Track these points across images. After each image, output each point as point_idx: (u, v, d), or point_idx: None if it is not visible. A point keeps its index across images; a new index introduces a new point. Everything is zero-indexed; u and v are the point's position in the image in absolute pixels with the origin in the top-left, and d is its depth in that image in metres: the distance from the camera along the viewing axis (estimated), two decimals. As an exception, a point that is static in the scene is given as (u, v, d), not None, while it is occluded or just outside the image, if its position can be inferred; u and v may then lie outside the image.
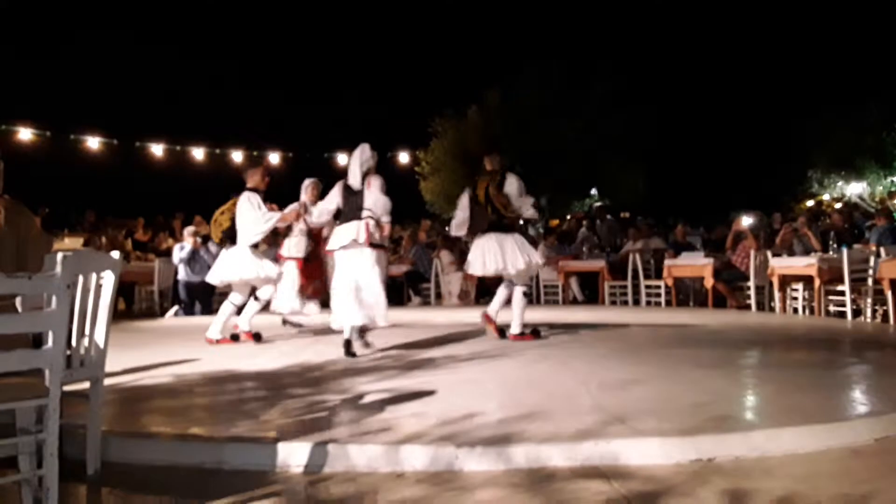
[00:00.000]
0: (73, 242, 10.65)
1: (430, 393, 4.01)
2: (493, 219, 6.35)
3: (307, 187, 7.30)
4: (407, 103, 25.62)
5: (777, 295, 9.65)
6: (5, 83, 21.19)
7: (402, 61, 27.03)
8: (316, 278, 7.28)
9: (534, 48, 21.32)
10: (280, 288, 6.87)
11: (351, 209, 5.77)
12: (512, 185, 6.35)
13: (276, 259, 7.07)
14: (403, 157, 20.70)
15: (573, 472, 2.81)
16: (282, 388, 4.25)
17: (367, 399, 3.92)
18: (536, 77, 18.67)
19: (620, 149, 18.21)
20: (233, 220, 6.54)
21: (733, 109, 22.40)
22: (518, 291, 6.47)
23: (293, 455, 2.95)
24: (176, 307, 10.44)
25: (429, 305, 11.81)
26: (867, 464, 2.91)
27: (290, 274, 7.09)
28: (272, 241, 7.03)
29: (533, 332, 6.54)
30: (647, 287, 11.45)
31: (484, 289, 12.29)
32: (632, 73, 19.18)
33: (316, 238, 7.26)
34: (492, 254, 6.29)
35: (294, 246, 7.24)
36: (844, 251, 8.34)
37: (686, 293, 11.66)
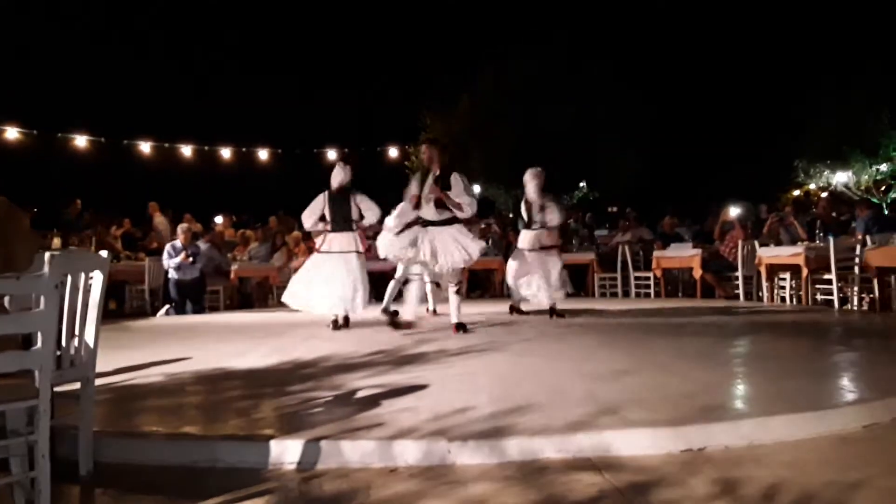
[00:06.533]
0: (58, 242, 10.56)
1: (421, 387, 4.01)
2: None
3: None
4: (396, 98, 25.56)
5: (765, 284, 9.71)
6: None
7: (390, 55, 26.96)
8: None
9: (522, 33, 21.25)
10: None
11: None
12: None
13: None
14: (393, 152, 20.65)
15: (565, 464, 2.81)
16: (274, 386, 4.23)
17: (360, 395, 3.92)
18: (524, 63, 18.63)
19: (610, 139, 18.24)
20: None
21: (718, 101, 22.46)
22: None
23: (286, 452, 2.94)
24: (167, 306, 10.38)
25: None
26: (856, 451, 2.93)
27: None
28: None
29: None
30: (637, 278, 11.49)
31: (476, 282, 12.29)
32: (618, 63, 19.17)
33: None
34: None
35: None
36: (831, 240, 8.39)
37: (675, 284, 11.71)
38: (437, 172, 6.50)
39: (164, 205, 14.62)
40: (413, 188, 6.62)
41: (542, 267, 7.59)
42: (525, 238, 7.76)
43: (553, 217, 7.63)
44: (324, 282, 7.04)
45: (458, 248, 6.42)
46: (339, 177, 7.24)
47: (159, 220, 13.74)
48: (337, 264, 7.08)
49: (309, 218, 7.32)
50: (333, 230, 7.20)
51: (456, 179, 6.44)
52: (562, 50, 18.53)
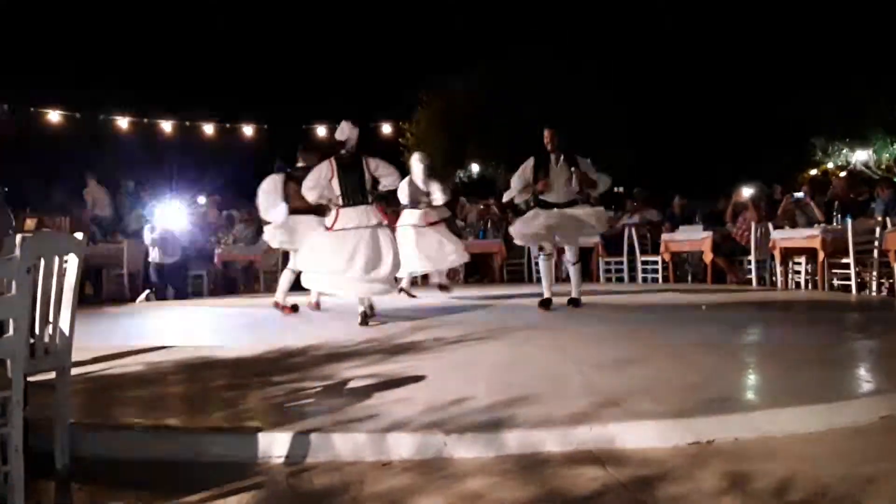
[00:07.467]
0: (32, 224, 10.51)
1: (417, 378, 4.02)
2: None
3: None
4: (391, 73, 25.39)
5: (779, 269, 9.71)
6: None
7: (386, 29, 26.74)
8: None
9: (522, 20, 21.18)
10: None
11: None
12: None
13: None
14: (387, 129, 20.56)
15: (567, 457, 2.83)
16: (261, 375, 4.24)
17: (352, 385, 3.93)
18: (525, 48, 18.63)
19: (612, 120, 18.22)
20: None
21: (735, 78, 22.34)
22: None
23: (274, 445, 2.95)
24: (147, 291, 10.37)
25: (416, 286, 11.80)
26: (871, 443, 2.95)
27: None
28: None
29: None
30: (644, 262, 11.49)
31: (472, 267, 12.28)
32: (630, 41, 19.11)
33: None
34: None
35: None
36: (849, 222, 8.38)
37: (684, 268, 11.71)
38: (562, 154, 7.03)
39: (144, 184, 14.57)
40: (530, 174, 7.06)
41: (427, 241, 8.28)
42: (409, 216, 8.39)
43: (437, 196, 8.33)
44: (346, 262, 6.24)
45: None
46: (349, 138, 6.52)
47: (92, 188, 13.30)
48: (355, 240, 6.26)
49: (312, 190, 6.51)
50: (345, 204, 6.41)
51: (581, 159, 7.08)
52: (563, 43, 18.54)
